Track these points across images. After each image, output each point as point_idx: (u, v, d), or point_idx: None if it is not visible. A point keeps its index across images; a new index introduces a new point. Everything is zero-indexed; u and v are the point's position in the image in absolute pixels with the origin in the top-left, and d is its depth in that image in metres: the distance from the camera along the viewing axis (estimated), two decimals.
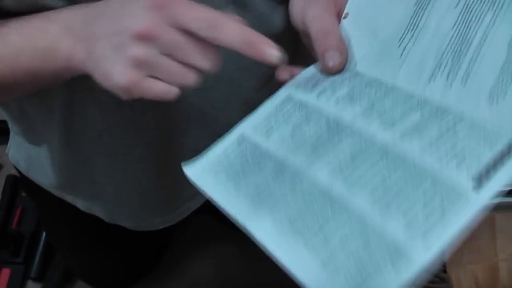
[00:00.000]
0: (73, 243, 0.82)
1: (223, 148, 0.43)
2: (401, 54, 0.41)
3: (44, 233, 1.09)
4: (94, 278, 0.87)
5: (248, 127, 0.44)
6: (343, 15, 0.44)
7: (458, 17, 0.40)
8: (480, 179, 0.33)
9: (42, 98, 0.53)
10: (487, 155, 0.33)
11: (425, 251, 0.31)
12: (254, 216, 0.37)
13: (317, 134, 0.40)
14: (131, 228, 0.72)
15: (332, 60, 0.43)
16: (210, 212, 0.87)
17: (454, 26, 0.40)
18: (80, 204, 0.70)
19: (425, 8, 0.42)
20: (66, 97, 0.52)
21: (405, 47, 0.41)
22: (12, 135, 0.69)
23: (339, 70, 0.43)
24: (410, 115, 0.38)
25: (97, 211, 0.71)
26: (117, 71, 0.37)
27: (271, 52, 0.38)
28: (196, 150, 0.61)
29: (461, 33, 0.39)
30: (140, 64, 0.37)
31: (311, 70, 0.45)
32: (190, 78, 0.38)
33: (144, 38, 0.36)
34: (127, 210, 0.69)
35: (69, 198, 0.70)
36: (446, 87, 0.38)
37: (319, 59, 0.44)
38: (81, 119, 0.54)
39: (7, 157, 0.73)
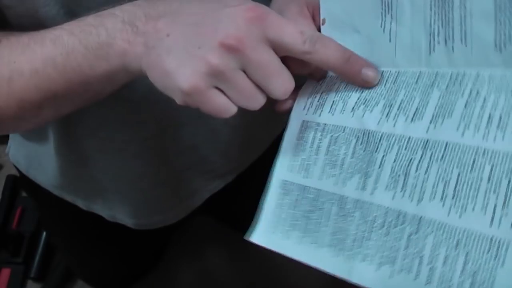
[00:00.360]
0: (73, 242, 0.82)
1: (274, 203, 0.42)
2: (390, 39, 0.40)
3: (44, 233, 1.09)
4: (94, 278, 0.87)
5: (283, 171, 0.43)
6: (321, 22, 0.44)
7: None
8: None
9: None
10: None
11: None
12: (352, 267, 0.36)
13: (354, 155, 0.39)
14: (131, 226, 0.72)
15: None
16: (210, 212, 0.87)
17: None
18: (80, 202, 0.70)
19: None
20: None
21: (390, 30, 0.40)
22: (12, 134, 0.69)
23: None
24: (430, 96, 0.37)
25: (97, 208, 0.70)
26: (184, 73, 0.35)
27: (369, 73, 0.39)
28: (192, 147, 0.62)
29: None
30: (214, 74, 0.35)
31: (308, 86, 0.44)
32: (257, 102, 0.37)
33: (230, 49, 0.34)
34: (127, 208, 0.69)
35: (69, 197, 0.70)
36: (449, 52, 0.37)
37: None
38: (77, 115, 0.54)
39: (7, 157, 0.73)
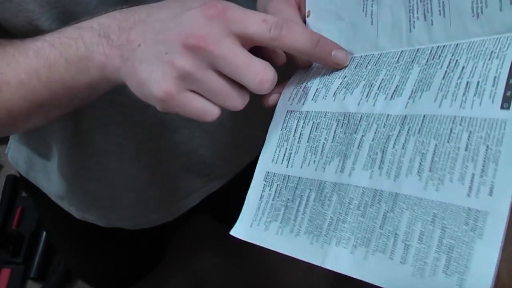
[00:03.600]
0: (73, 243, 0.82)
1: (257, 195, 0.42)
2: (371, 21, 0.40)
3: (44, 233, 1.09)
4: (94, 278, 0.87)
5: (267, 163, 0.42)
6: (306, 14, 0.44)
7: None
8: (505, 95, 0.31)
9: None
10: (500, 69, 0.32)
11: (500, 202, 0.29)
12: (326, 252, 0.35)
13: (335, 138, 0.39)
14: (128, 227, 0.72)
15: None
16: (210, 212, 0.87)
17: None
18: (74, 212, 0.71)
19: None
20: None
21: (371, 13, 0.40)
22: (11, 135, 0.69)
23: (311, 62, 0.43)
24: (409, 72, 0.37)
25: (92, 219, 0.71)
26: (155, 80, 0.35)
27: (339, 54, 0.39)
28: (188, 150, 0.62)
29: None
30: (183, 77, 0.34)
31: (295, 78, 0.44)
32: (236, 100, 0.36)
33: (196, 48, 0.34)
34: (122, 212, 0.69)
35: (64, 205, 0.70)
36: (428, 26, 0.37)
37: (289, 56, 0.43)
38: (73, 119, 0.54)
39: (7, 157, 0.73)
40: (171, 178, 0.65)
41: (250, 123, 0.63)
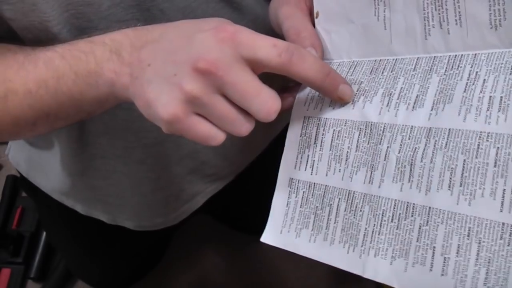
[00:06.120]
0: (73, 243, 0.82)
1: (283, 202, 0.42)
2: (385, 26, 0.40)
3: (44, 233, 1.09)
4: (94, 278, 0.87)
5: (290, 169, 0.42)
6: (315, 15, 0.43)
7: None
8: None
9: None
10: None
11: None
12: (365, 262, 0.36)
13: (358, 148, 0.39)
14: (132, 228, 0.72)
15: None
16: (210, 212, 0.87)
17: None
18: (80, 208, 0.70)
19: None
20: None
21: (384, 18, 0.40)
22: None
23: None
24: (429, 82, 0.37)
25: (97, 214, 0.71)
26: (163, 102, 0.34)
27: (346, 90, 0.39)
28: (193, 152, 0.62)
29: None
30: (191, 100, 0.34)
31: None
32: (243, 127, 0.36)
33: (205, 73, 0.33)
34: (127, 211, 0.69)
35: (69, 202, 0.70)
36: (444, 35, 0.37)
37: None
38: (79, 122, 0.54)
39: (7, 157, 0.73)
40: (175, 181, 0.65)
41: (255, 126, 0.63)
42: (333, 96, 0.39)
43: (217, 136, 0.36)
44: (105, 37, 0.39)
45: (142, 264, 0.92)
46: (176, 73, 0.34)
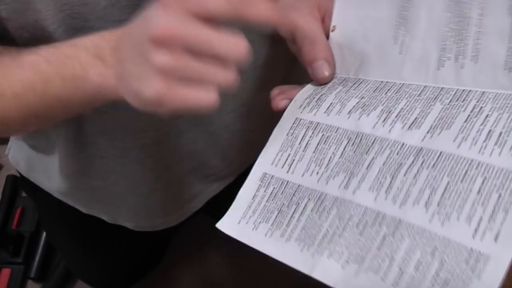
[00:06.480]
0: (73, 242, 0.82)
1: (250, 194, 0.42)
2: (400, 51, 0.40)
3: (44, 233, 1.09)
4: (94, 278, 0.87)
5: (267, 164, 0.42)
6: (331, 29, 0.44)
7: None
8: None
9: None
10: None
11: (504, 250, 0.29)
12: (316, 262, 0.36)
13: (343, 155, 0.39)
14: (132, 228, 0.72)
15: (322, 71, 0.43)
16: (210, 212, 0.87)
17: (446, 8, 0.39)
18: (81, 207, 0.70)
19: (410, 0, 0.41)
20: None
21: (402, 42, 0.40)
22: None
23: (329, 80, 0.44)
24: (431, 108, 0.37)
25: (98, 213, 0.71)
26: (144, 85, 0.34)
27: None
28: (193, 153, 0.62)
29: (456, 13, 0.38)
30: (166, 71, 0.34)
31: (309, 88, 0.44)
32: (226, 75, 0.35)
33: (164, 40, 0.33)
34: (127, 212, 0.69)
35: (70, 201, 0.70)
36: (457, 69, 0.37)
37: (306, 67, 0.43)
38: (77, 123, 0.54)
39: (7, 157, 0.73)
40: (175, 182, 0.65)
41: (254, 127, 0.63)
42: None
43: (210, 97, 0.35)
44: (86, 41, 0.39)
45: (142, 264, 0.92)
46: (142, 53, 0.34)
